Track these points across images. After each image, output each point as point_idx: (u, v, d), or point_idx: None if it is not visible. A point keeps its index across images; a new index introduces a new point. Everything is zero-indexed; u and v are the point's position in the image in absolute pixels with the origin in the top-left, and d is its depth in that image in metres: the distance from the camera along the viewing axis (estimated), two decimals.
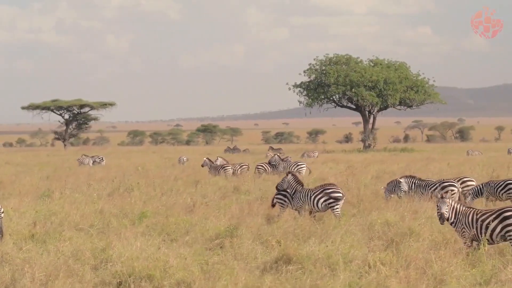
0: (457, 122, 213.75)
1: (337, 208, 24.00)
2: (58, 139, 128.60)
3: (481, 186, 27.28)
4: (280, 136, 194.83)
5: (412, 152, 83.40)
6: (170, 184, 37.60)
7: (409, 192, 27.73)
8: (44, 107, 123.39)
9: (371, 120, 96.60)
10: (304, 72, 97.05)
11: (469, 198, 26.97)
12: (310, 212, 24.27)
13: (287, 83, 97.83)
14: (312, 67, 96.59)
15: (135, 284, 14.62)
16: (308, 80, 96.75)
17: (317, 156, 71.45)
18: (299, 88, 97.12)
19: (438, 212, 17.81)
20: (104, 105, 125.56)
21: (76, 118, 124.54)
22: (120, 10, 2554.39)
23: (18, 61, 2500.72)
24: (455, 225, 17.91)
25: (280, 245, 16.52)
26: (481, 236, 17.42)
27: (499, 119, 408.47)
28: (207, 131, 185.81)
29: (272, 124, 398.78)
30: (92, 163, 63.16)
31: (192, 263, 15.53)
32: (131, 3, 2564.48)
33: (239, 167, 46.27)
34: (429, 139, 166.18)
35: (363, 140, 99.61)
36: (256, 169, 46.25)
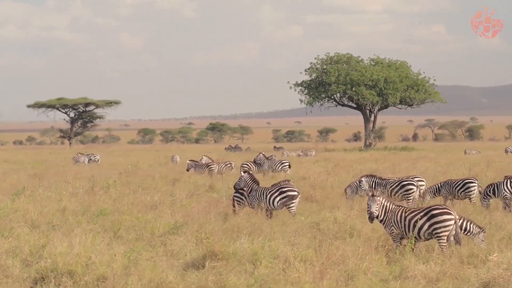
0: (466, 121, 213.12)
1: (292, 206, 24.36)
2: (63, 137, 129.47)
3: (439, 185, 27.56)
4: (291, 135, 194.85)
5: (411, 151, 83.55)
6: (149, 182, 38.07)
7: (369, 190, 27.96)
8: (50, 105, 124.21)
9: (372, 119, 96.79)
10: (305, 71, 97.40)
11: (428, 197, 27.26)
12: (267, 210, 24.66)
13: (288, 82, 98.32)
14: (313, 66, 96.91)
15: (56, 279, 15.09)
16: (309, 79, 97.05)
17: (314, 155, 71.86)
18: (300, 87, 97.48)
19: (368, 211, 18.16)
20: (109, 103, 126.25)
21: (81, 116, 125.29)
22: (135, 8, 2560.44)
23: (32, 59, 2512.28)
24: (384, 223, 18.26)
25: (209, 242, 16.89)
26: (409, 234, 17.76)
27: None
28: (216, 129, 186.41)
29: (285, 123, 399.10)
30: (88, 161, 63.71)
31: (116, 259, 15.92)
32: (146, 1, 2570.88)
33: (224, 165, 46.73)
34: (437, 138, 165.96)
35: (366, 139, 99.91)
36: (241, 168, 46.58)
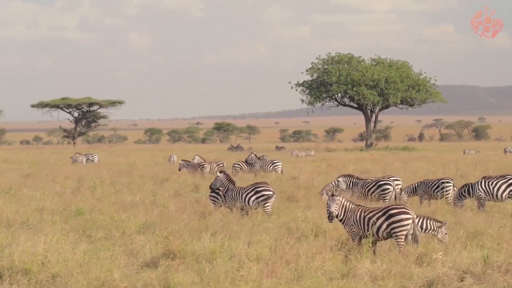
0: (473, 121, 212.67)
1: (267, 206, 24.59)
2: (67, 137, 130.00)
3: (416, 184, 27.75)
4: (298, 135, 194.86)
5: (412, 151, 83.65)
6: (138, 182, 38.34)
7: (347, 190, 28.19)
8: (54, 105, 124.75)
9: (373, 119, 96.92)
10: (307, 71, 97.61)
11: (405, 197, 27.42)
12: (242, 209, 24.91)
13: (289, 82, 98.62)
14: (315, 66, 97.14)
15: (11, 277, 15.37)
16: (311, 79, 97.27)
17: (313, 155, 72.20)
18: (301, 87, 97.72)
19: (327, 210, 18.34)
20: (113, 103, 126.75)
21: (85, 116, 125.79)
22: (142, 8, 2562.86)
23: (41, 59, 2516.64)
24: (343, 222, 18.45)
25: (167, 241, 17.14)
26: (368, 233, 17.95)
27: None
28: (222, 129, 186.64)
29: (293, 122, 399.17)
30: (86, 161, 64.04)
31: (75, 258, 16.17)
32: (153, 1, 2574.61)
33: (215, 165, 46.97)
34: (443, 138, 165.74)
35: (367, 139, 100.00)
36: (233, 168, 46.87)
